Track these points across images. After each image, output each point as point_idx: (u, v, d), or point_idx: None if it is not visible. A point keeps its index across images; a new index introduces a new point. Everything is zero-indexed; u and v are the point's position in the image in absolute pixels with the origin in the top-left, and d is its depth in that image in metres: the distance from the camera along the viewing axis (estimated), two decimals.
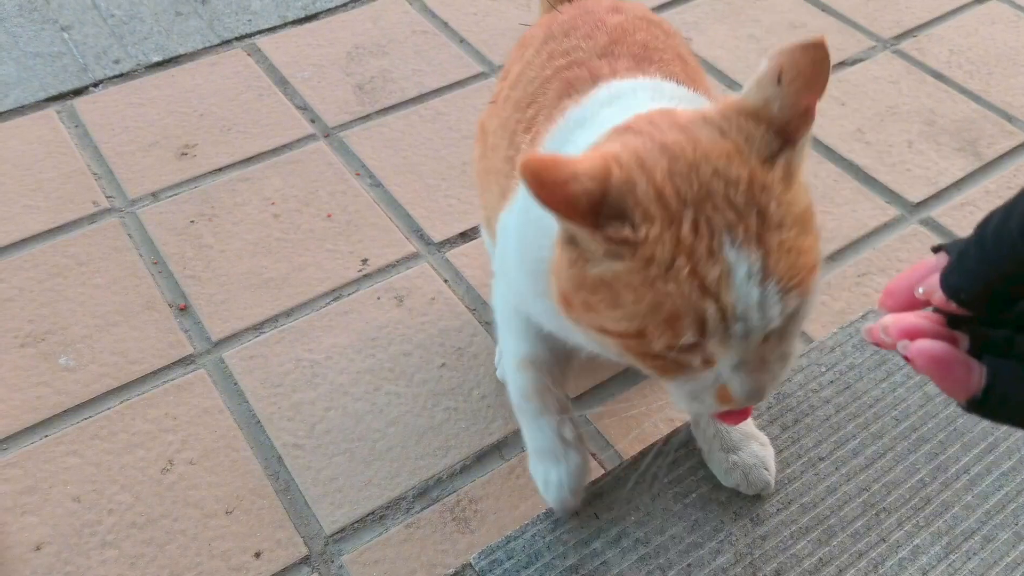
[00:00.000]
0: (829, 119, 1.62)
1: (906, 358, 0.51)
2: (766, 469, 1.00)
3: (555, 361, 0.91)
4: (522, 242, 0.76)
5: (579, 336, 0.68)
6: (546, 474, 0.96)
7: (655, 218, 0.56)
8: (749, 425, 1.01)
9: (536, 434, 0.95)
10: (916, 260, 1.39)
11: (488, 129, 1.00)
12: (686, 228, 0.55)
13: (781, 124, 0.60)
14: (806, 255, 0.58)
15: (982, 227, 0.50)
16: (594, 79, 0.77)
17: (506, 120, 0.89)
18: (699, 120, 0.62)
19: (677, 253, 0.55)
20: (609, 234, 0.56)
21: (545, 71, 0.84)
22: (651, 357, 0.60)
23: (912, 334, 0.51)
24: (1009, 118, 1.63)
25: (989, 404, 0.48)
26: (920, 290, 0.53)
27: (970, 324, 0.52)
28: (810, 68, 0.58)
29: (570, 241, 0.60)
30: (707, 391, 0.62)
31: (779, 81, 0.59)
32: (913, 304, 0.53)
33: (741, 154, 0.58)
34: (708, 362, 0.60)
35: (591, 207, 0.56)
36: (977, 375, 0.48)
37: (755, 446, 1.01)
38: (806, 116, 0.59)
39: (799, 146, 0.60)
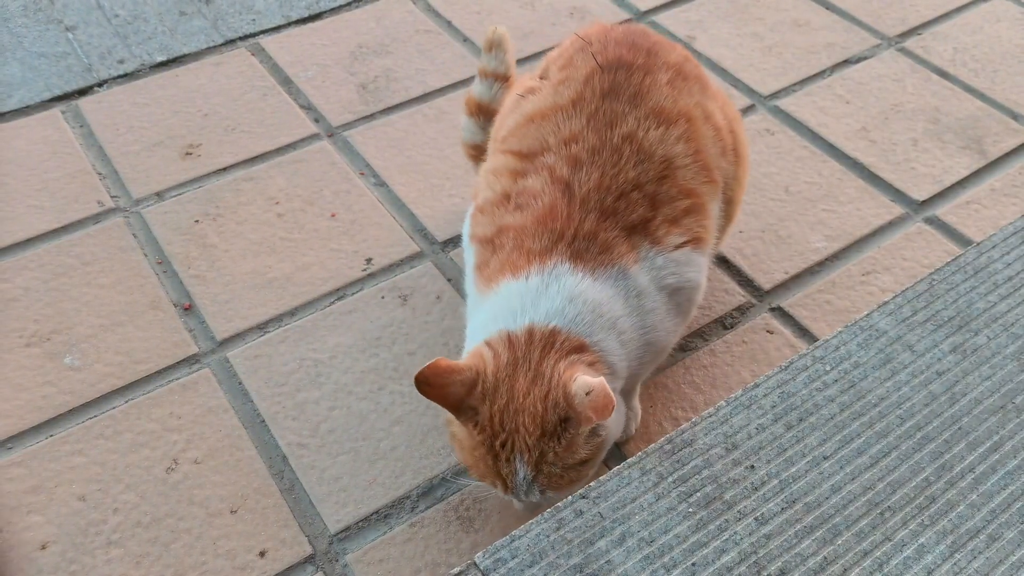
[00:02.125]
0: (834, 117, 1.62)
1: None
2: (629, 422, 1.19)
3: None
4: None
5: None
6: None
7: (485, 428, 0.92)
8: (632, 400, 1.18)
9: None
10: (921, 259, 1.38)
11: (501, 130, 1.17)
12: (499, 442, 0.92)
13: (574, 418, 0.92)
14: (563, 480, 0.95)
15: None
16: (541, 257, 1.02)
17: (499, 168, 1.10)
18: (522, 374, 0.94)
19: (494, 440, 0.91)
20: (468, 420, 0.93)
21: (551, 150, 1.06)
22: (471, 468, 0.96)
23: None
24: (1014, 116, 1.62)
25: None
26: None
27: None
28: (595, 406, 0.88)
29: (454, 424, 0.97)
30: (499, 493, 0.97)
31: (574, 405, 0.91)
32: None
33: (543, 423, 0.92)
34: (507, 490, 0.95)
35: (461, 401, 0.93)
36: None
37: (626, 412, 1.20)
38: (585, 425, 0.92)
39: (581, 432, 0.93)
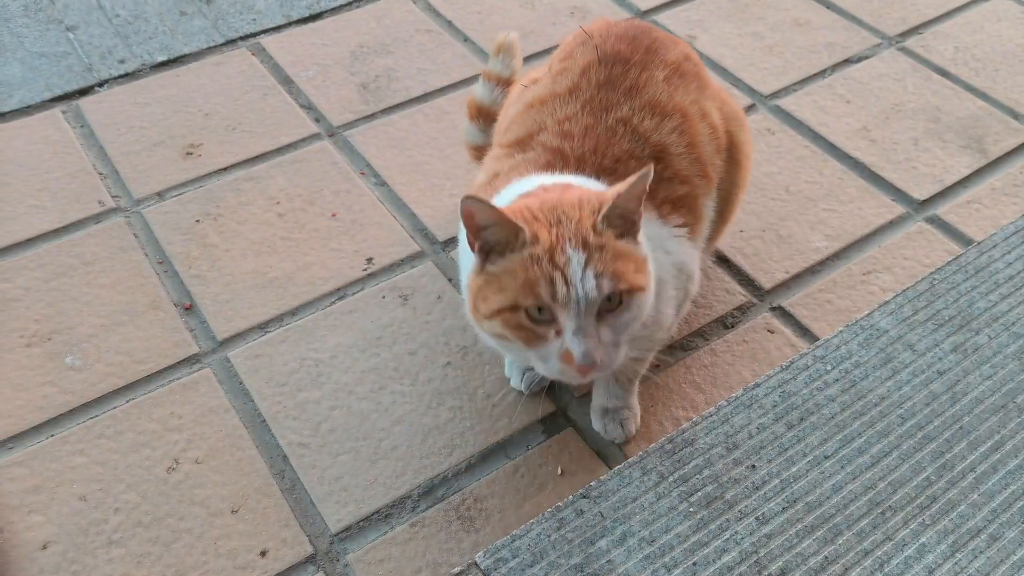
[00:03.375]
0: (834, 117, 1.62)
1: None
2: (620, 428, 1.16)
3: None
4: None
5: (485, 336, 0.95)
6: (520, 373, 1.21)
7: (535, 225, 0.88)
8: (630, 400, 1.17)
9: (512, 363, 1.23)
10: (922, 258, 1.38)
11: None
12: (553, 235, 0.87)
13: (620, 222, 0.90)
14: (616, 266, 0.87)
15: None
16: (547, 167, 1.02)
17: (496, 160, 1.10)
18: (574, 191, 0.92)
19: (544, 249, 0.86)
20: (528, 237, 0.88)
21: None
22: (520, 329, 0.87)
23: None
24: (1015, 115, 1.62)
25: None
26: None
27: None
28: (634, 191, 0.87)
29: (480, 269, 0.91)
30: (554, 355, 0.87)
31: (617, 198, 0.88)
32: None
33: (580, 208, 0.89)
34: (558, 332, 0.87)
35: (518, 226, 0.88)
36: None
37: (624, 412, 1.17)
38: (631, 218, 0.90)
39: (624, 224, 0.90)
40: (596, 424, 1.17)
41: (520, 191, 0.96)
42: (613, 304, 0.87)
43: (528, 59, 1.68)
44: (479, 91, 1.34)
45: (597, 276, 0.85)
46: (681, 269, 1.03)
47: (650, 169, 0.87)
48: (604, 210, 0.87)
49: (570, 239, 0.87)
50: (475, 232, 0.88)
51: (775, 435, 1.13)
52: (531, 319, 0.87)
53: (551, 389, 1.21)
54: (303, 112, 1.61)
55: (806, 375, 1.20)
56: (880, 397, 1.17)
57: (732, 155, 1.15)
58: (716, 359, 1.25)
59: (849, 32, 1.80)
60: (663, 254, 1.00)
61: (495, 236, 0.88)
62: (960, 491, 1.08)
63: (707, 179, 1.08)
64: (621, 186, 0.88)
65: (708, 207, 1.11)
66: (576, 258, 0.85)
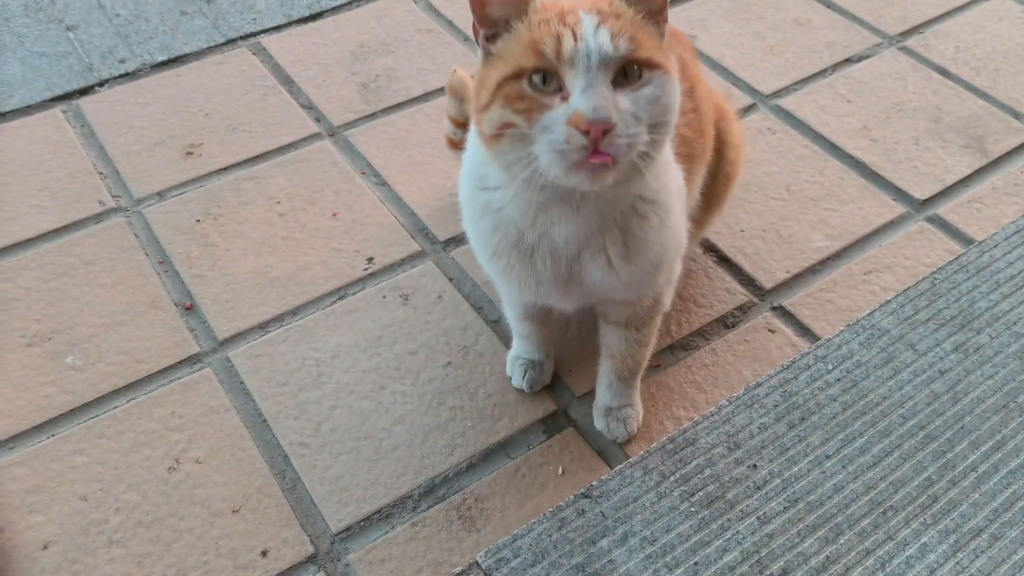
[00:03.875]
0: (835, 116, 1.62)
1: None
2: (623, 426, 1.15)
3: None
4: (463, 181, 0.98)
5: (489, 155, 0.87)
6: (522, 372, 1.20)
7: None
8: (633, 397, 1.16)
9: (520, 345, 1.21)
10: (923, 258, 1.38)
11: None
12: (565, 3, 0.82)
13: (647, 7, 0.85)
14: (635, 33, 0.80)
15: None
16: None
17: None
18: None
19: (554, 12, 0.81)
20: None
21: None
22: (522, 100, 0.80)
23: None
24: (1016, 115, 1.62)
25: None
26: None
27: None
28: None
29: (486, 58, 0.85)
30: (559, 122, 0.78)
31: None
32: None
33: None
34: (564, 97, 0.79)
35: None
36: None
37: (626, 411, 1.16)
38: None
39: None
40: (599, 423, 1.17)
41: None
42: (632, 79, 0.80)
43: None
44: (447, 126, 1.37)
45: (613, 36, 0.78)
46: (682, 209, 1.00)
47: None
48: None
49: (584, 8, 0.81)
50: (480, 10, 0.84)
51: (776, 435, 1.13)
52: (534, 88, 0.79)
53: (551, 388, 1.21)
54: (304, 112, 1.61)
55: (807, 375, 1.20)
56: (881, 397, 1.17)
57: (718, 140, 1.16)
58: (717, 359, 1.25)
59: (850, 31, 1.80)
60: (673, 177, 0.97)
61: (501, 9, 0.83)
62: (961, 491, 1.08)
63: (704, 147, 1.08)
64: None
65: (698, 180, 1.11)
66: (588, 19, 0.79)
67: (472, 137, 0.95)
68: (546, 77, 0.79)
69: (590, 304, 1.06)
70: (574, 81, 0.78)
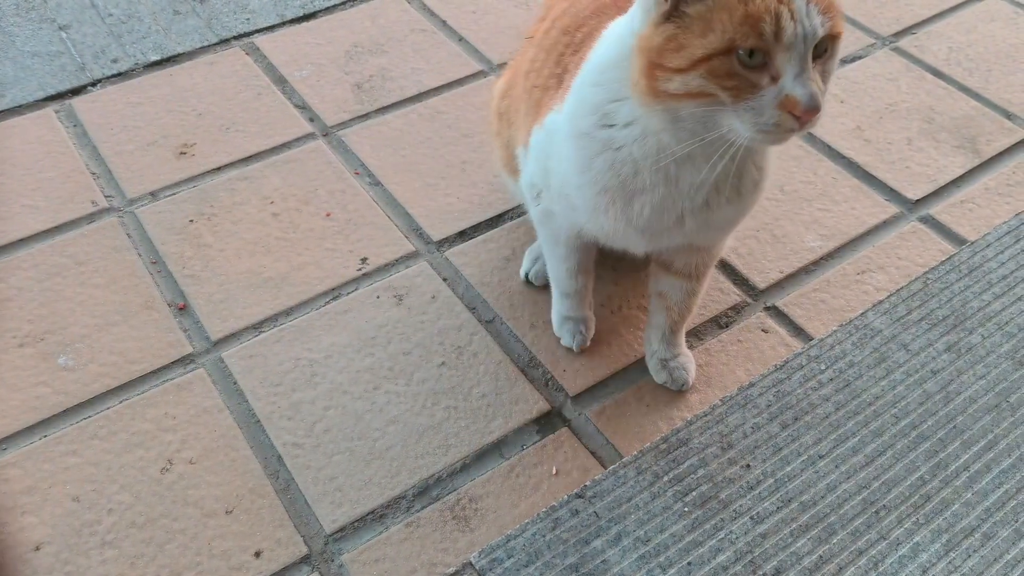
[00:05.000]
0: (828, 117, 1.62)
1: None
2: (684, 371, 1.21)
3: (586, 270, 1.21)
4: (570, 124, 0.97)
5: (646, 121, 0.88)
6: (572, 331, 1.25)
7: None
8: (683, 346, 1.22)
9: (565, 304, 1.25)
10: (916, 258, 1.39)
11: (520, 64, 1.16)
12: None
13: None
14: (833, 3, 0.81)
15: None
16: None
17: (553, 43, 1.06)
18: None
19: None
20: None
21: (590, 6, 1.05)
22: (731, 77, 0.78)
23: None
24: (1008, 115, 1.63)
25: None
26: None
27: None
28: None
29: (663, 19, 0.81)
30: (769, 105, 0.78)
31: None
32: None
33: None
34: (774, 78, 0.78)
35: None
36: None
37: (682, 358, 1.21)
38: None
39: None
40: (660, 377, 1.21)
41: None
42: (821, 52, 0.80)
43: None
44: None
45: (822, 14, 0.78)
46: None
47: None
48: None
49: None
50: None
51: (769, 435, 1.13)
52: (743, 65, 0.77)
53: (545, 387, 1.21)
54: (297, 112, 1.61)
55: (800, 375, 1.20)
56: (874, 396, 1.17)
57: None
58: (710, 359, 1.25)
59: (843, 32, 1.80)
60: None
61: None
62: (954, 490, 1.08)
63: None
64: None
65: None
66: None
67: (592, 77, 0.94)
68: (753, 52, 0.77)
69: (662, 249, 1.10)
70: (787, 64, 0.78)
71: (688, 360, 1.22)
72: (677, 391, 1.21)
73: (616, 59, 0.89)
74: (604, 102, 0.92)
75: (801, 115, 0.78)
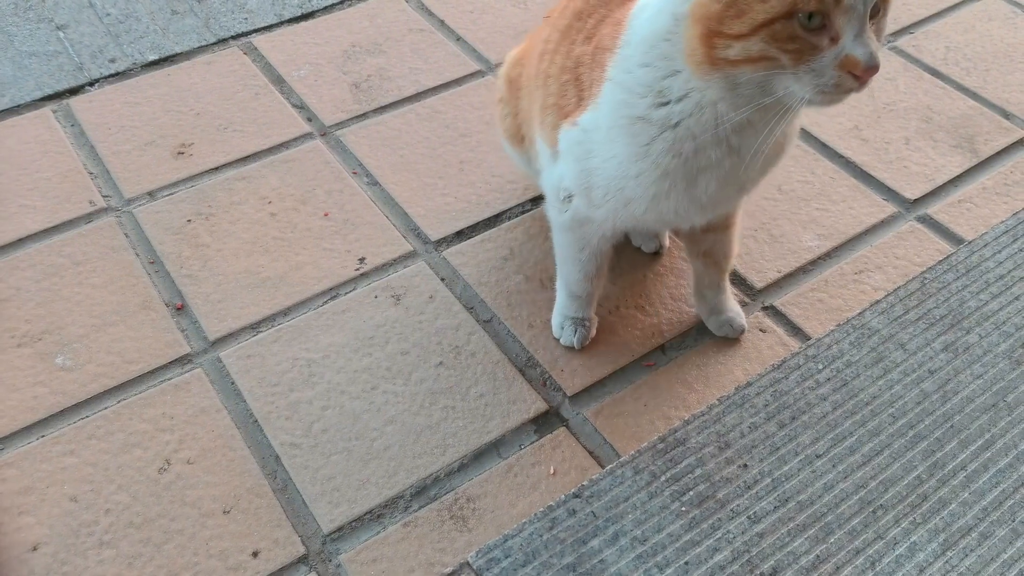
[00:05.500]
0: (826, 116, 1.62)
1: None
2: (740, 318, 1.27)
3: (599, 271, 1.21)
4: (616, 114, 0.96)
5: (701, 93, 0.88)
6: (574, 328, 1.25)
7: None
8: (730, 298, 1.27)
9: (573, 306, 1.25)
10: (913, 257, 1.39)
11: (535, 42, 1.16)
12: None
13: None
14: None
15: None
16: None
17: (568, 26, 1.06)
18: None
19: None
20: None
21: None
22: (793, 40, 0.78)
23: None
24: (1006, 115, 1.63)
25: None
26: None
27: None
28: None
29: None
30: (829, 66, 0.79)
31: None
32: None
33: None
34: (834, 39, 0.79)
35: None
36: None
37: (733, 311, 1.27)
38: None
39: None
40: (717, 328, 1.27)
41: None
42: (875, 10, 0.82)
43: None
44: None
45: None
46: None
47: None
48: None
49: None
50: None
51: (767, 434, 1.14)
52: (804, 28, 0.79)
53: (543, 387, 1.21)
54: (295, 111, 1.61)
55: (798, 374, 1.20)
56: (871, 396, 1.18)
57: None
58: (708, 359, 1.25)
59: None
60: None
61: None
62: (951, 489, 1.08)
63: None
64: None
65: None
66: None
67: (638, 58, 0.93)
68: (812, 15, 0.78)
69: (713, 217, 1.11)
70: (846, 25, 0.79)
71: (738, 308, 1.27)
72: (734, 336, 1.27)
73: (663, 32, 0.89)
74: (657, 79, 0.91)
75: (861, 74, 0.79)
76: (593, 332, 1.26)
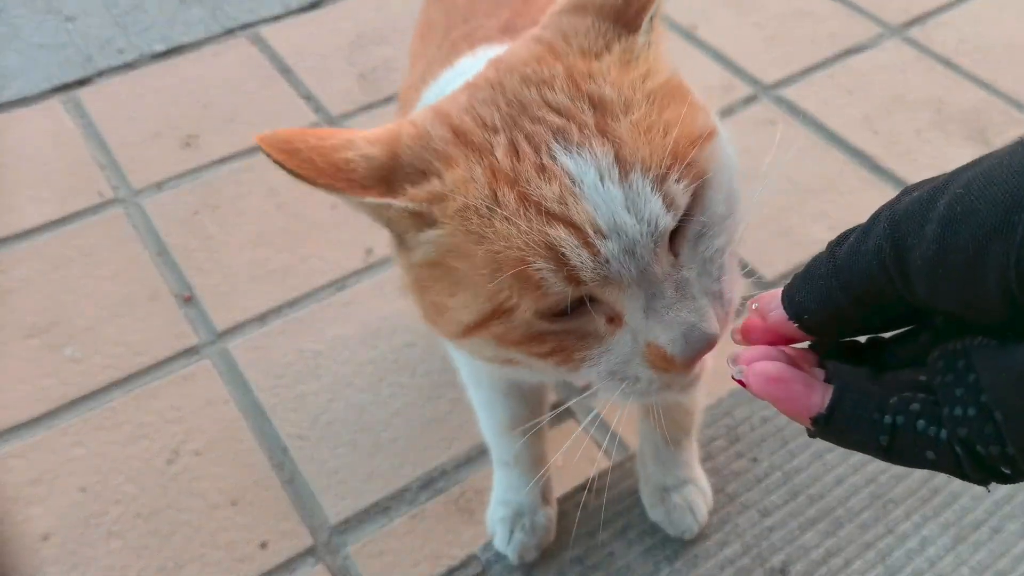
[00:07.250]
0: (836, 107, 1.61)
1: (742, 383, 0.43)
2: (692, 513, 0.91)
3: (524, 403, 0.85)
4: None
5: (482, 365, 0.55)
6: (509, 526, 0.93)
7: (458, 157, 0.45)
8: (693, 467, 0.95)
9: (504, 481, 0.93)
10: None
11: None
12: (500, 153, 0.44)
13: (614, 11, 0.49)
14: (676, 128, 0.46)
15: (835, 245, 0.43)
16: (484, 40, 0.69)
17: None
18: (518, 42, 0.52)
19: (496, 185, 0.44)
20: (411, 195, 0.47)
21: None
22: (540, 342, 0.48)
23: (757, 359, 0.43)
24: (1018, 106, 1.61)
25: (834, 424, 0.41)
26: (754, 305, 0.44)
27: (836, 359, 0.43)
28: None
29: (399, 243, 0.52)
30: (633, 360, 0.49)
31: None
32: (771, 337, 0.44)
33: (555, 53, 0.48)
34: (614, 319, 0.48)
35: (375, 175, 0.48)
36: (820, 394, 0.41)
37: (690, 488, 0.91)
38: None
39: (643, 29, 0.49)
40: (655, 514, 0.93)
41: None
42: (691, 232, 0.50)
43: None
44: None
45: (655, 182, 0.45)
46: None
47: None
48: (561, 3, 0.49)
49: (559, 138, 0.44)
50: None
51: (777, 428, 1.13)
52: (552, 316, 0.48)
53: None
54: (302, 102, 1.61)
55: None
56: None
57: None
58: (718, 352, 1.24)
59: (851, 22, 1.79)
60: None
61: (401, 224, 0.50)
62: (962, 483, 1.07)
63: None
64: None
65: None
66: (590, 171, 0.44)
67: None
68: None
69: None
70: (622, 296, 0.48)
71: (698, 494, 0.88)
72: (676, 537, 0.91)
73: None
74: None
75: (680, 368, 0.51)
76: (545, 534, 0.91)
